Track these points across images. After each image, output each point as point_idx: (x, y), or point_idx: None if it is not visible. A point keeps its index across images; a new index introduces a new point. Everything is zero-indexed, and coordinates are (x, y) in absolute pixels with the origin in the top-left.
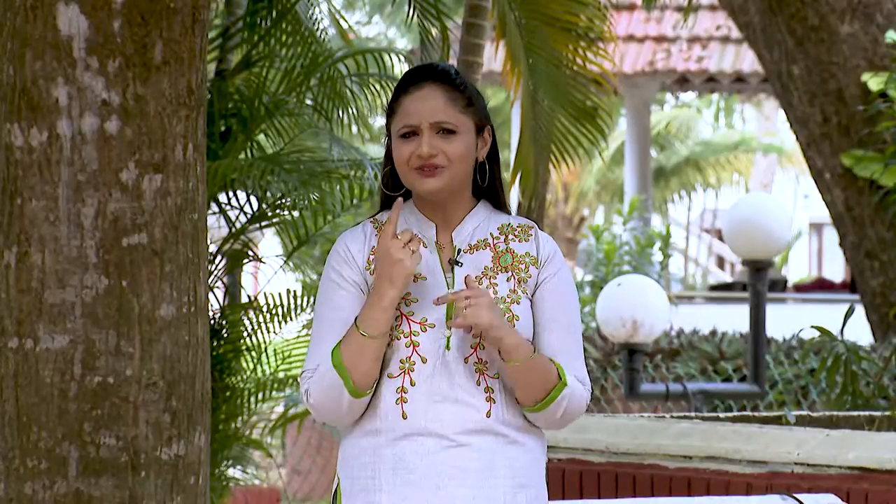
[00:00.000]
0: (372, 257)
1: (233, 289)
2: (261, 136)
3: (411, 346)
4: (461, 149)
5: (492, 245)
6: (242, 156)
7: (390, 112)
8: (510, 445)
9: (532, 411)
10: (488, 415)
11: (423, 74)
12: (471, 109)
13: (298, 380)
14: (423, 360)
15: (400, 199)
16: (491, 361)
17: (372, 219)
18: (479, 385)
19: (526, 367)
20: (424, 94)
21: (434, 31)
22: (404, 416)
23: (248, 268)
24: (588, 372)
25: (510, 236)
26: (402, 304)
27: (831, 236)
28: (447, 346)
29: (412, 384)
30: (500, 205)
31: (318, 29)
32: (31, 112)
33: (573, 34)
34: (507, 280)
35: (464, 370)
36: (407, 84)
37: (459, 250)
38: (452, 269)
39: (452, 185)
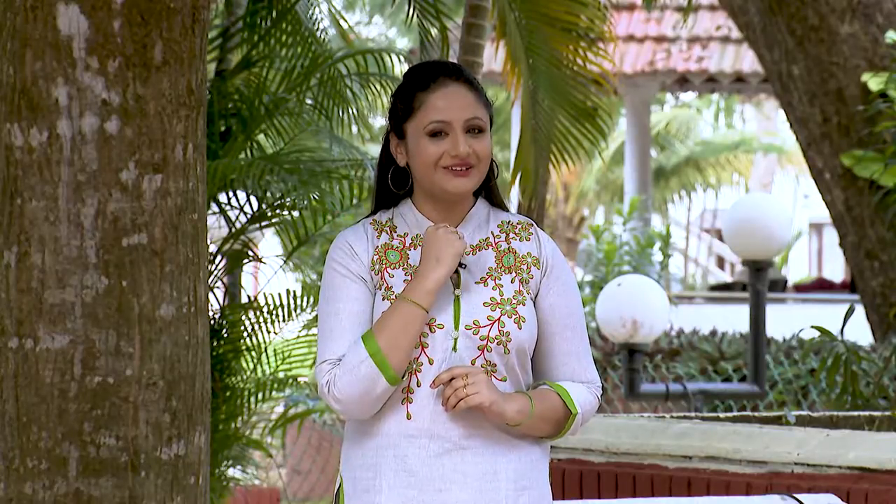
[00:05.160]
0: (376, 257)
1: (233, 289)
2: (261, 136)
3: (419, 347)
4: (489, 147)
5: (493, 244)
6: (242, 156)
7: (407, 108)
8: (513, 448)
9: (549, 440)
10: None
11: (439, 70)
12: (487, 107)
13: (314, 372)
14: (430, 362)
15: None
16: (499, 364)
17: (371, 220)
18: None
19: (532, 421)
20: (451, 90)
21: (434, 31)
22: (409, 417)
23: (248, 268)
24: None
25: (511, 234)
26: None
27: (831, 236)
28: (454, 348)
29: (418, 385)
30: (496, 202)
31: (318, 29)
32: (31, 112)
33: (573, 34)
34: (512, 281)
35: None
36: (425, 80)
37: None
38: (457, 270)
39: (477, 184)
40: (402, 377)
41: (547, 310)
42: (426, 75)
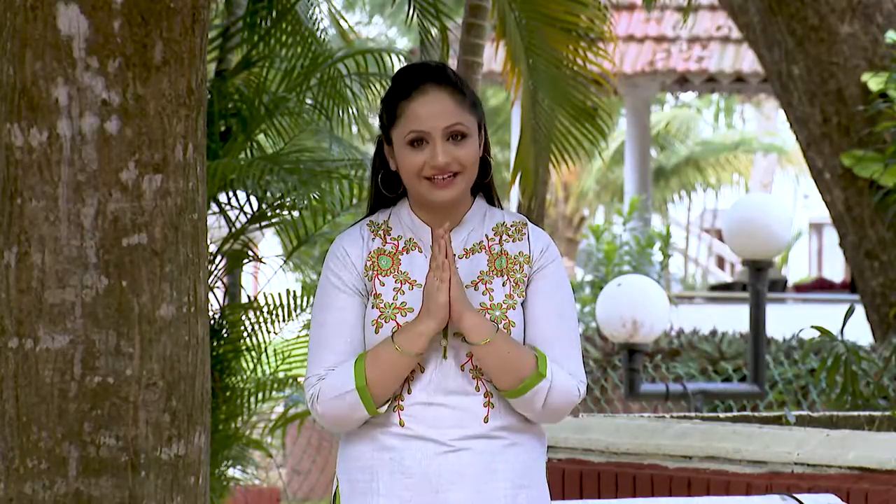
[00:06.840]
0: (369, 263)
1: (233, 289)
2: (261, 136)
3: None
4: (473, 153)
5: (487, 248)
6: (242, 156)
7: (391, 117)
8: (510, 448)
9: (509, 397)
10: (486, 420)
11: (421, 76)
12: (474, 109)
13: (303, 383)
14: (421, 370)
15: (446, 234)
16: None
17: (369, 220)
18: (479, 391)
19: (491, 349)
20: (431, 98)
21: (434, 31)
22: (401, 424)
23: (248, 268)
24: (588, 372)
25: (504, 237)
26: (398, 315)
27: (831, 236)
28: (444, 355)
29: (409, 392)
30: (493, 200)
31: (318, 29)
32: (31, 112)
33: (573, 34)
34: (503, 285)
35: (461, 377)
36: (407, 88)
37: (454, 257)
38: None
39: (464, 191)
40: (383, 410)
41: (532, 294)
42: (409, 82)
